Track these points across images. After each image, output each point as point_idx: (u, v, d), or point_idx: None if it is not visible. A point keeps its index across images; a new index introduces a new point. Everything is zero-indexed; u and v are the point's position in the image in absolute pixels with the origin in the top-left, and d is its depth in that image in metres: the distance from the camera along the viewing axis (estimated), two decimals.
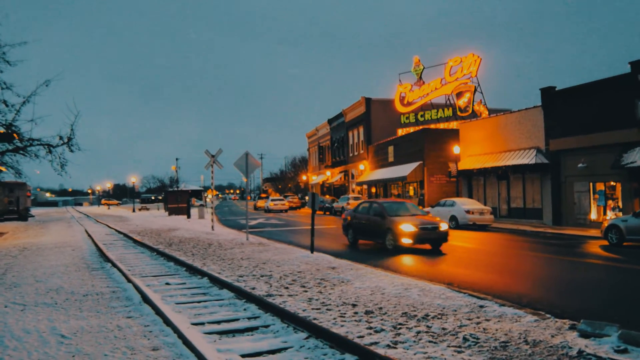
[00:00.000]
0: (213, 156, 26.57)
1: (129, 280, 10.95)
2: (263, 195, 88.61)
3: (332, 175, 66.47)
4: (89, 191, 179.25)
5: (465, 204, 27.99)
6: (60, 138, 18.97)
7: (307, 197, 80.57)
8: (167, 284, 10.93)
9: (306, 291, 9.63)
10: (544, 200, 29.44)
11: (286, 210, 55.31)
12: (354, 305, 8.38)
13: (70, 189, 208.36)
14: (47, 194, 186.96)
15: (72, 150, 19.48)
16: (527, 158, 29.38)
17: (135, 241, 21.51)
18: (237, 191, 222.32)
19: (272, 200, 56.37)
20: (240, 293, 9.34)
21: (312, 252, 15.14)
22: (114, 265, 13.60)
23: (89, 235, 25.14)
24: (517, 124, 31.16)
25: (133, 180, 74.46)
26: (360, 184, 53.76)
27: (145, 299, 9.02)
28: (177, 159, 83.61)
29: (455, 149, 34.06)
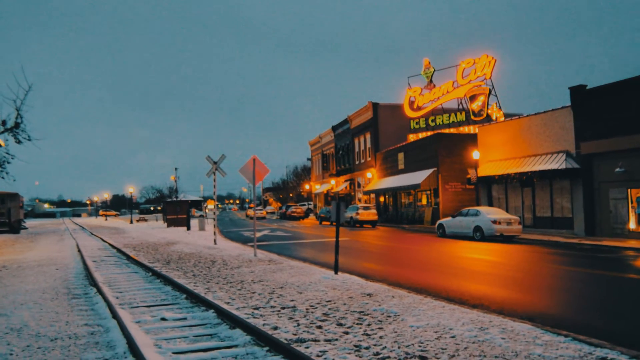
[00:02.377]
0: (215, 163, 24.26)
1: (115, 315, 8.58)
2: (252, 205, 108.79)
3: (336, 184, 64.05)
4: (88, 202, 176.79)
5: (490, 213, 25.59)
6: (3, 123, 14.42)
7: (308, 205, 78.09)
8: (163, 319, 8.56)
9: (347, 332, 7.25)
10: (575, 209, 27.07)
11: (264, 218, 69.71)
12: None
13: (69, 200, 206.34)
14: (46, 205, 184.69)
15: (19, 141, 14.81)
16: (556, 163, 27.04)
17: (129, 257, 19.12)
18: (237, 201, 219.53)
19: (252, 209, 74.06)
20: (260, 336, 6.97)
21: (336, 273, 12.76)
22: (99, 291, 11.22)
23: (79, 251, 22.77)
24: (543, 127, 28.83)
25: (130, 190, 71.88)
26: (367, 192, 51.37)
27: (132, 347, 6.65)
28: (176, 169, 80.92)
29: (475, 154, 31.74)
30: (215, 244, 24.31)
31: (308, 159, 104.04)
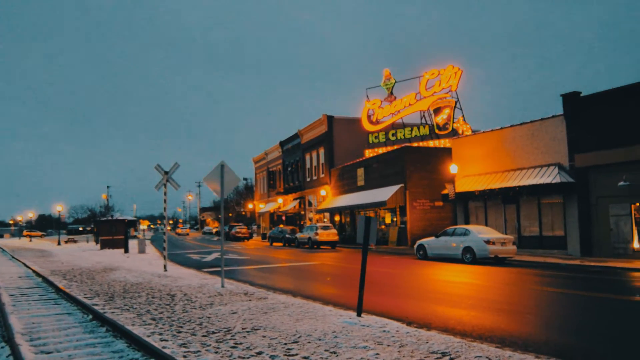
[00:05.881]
0: (167, 173, 20.32)
1: None
2: (180, 225, 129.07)
3: (284, 203, 60.38)
4: (11, 222, 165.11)
5: (482, 233, 22.68)
6: None
7: (276, 226, 73.69)
8: None
9: None
10: (568, 227, 24.55)
11: (187, 234, 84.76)
12: None
13: None
14: None
15: None
16: (547, 177, 24.50)
17: (58, 290, 14.83)
18: (171, 221, 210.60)
19: (179, 228, 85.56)
20: None
21: (359, 315, 9.21)
22: (15, 353, 7.24)
23: None
24: (529, 137, 26.32)
25: (59, 209, 65.48)
26: (321, 211, 48.00)
27: None
28: (108, 187, 75.47)
29: (452, 168, 28.89)
30: (165, 270, 20.22)
31: (245, 179, 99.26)
